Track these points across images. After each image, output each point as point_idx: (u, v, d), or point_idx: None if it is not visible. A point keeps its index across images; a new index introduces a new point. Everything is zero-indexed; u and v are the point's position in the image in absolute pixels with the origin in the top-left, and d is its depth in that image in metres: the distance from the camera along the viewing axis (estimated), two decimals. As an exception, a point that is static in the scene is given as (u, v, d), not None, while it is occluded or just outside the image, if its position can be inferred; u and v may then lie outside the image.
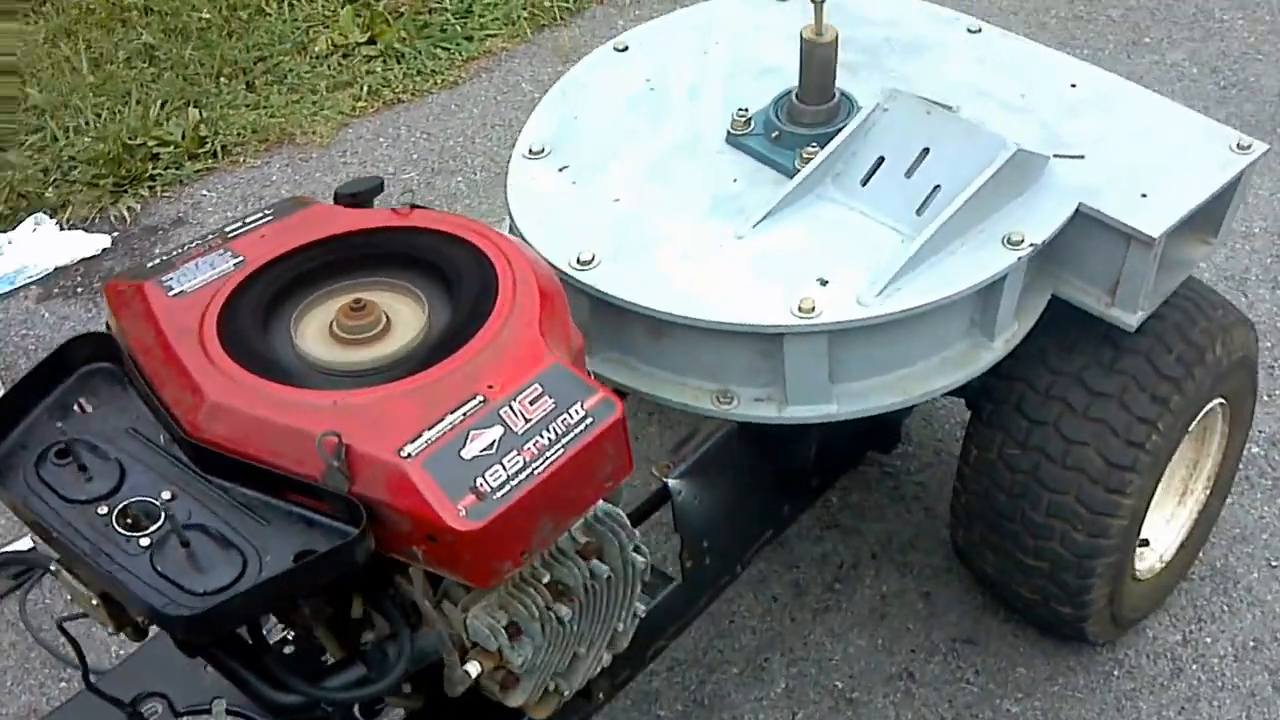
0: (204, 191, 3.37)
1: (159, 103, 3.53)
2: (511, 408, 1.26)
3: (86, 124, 3.48)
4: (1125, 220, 1.63)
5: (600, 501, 1.38)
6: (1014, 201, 1.66)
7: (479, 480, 1.21)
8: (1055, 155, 1.73)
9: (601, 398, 1.29)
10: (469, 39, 3.79)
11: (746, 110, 1.79)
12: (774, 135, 1.75)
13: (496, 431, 1.24)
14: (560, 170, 1.75)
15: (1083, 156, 1.74)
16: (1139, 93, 1.84)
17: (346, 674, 1.32)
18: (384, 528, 1.21)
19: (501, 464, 1.23)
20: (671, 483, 1.66)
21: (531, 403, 1.27)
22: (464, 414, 1.24)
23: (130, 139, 3.41)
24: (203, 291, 1.37)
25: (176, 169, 3.40)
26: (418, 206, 1.48)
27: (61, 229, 3.27)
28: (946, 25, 1.98)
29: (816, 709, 2.09)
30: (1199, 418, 1.90)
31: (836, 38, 1.74)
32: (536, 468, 1.24)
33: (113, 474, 1.26)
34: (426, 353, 1.32)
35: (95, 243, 3.22)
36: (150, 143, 3.43)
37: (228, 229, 1.47)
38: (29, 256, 3.19)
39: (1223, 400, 1.96)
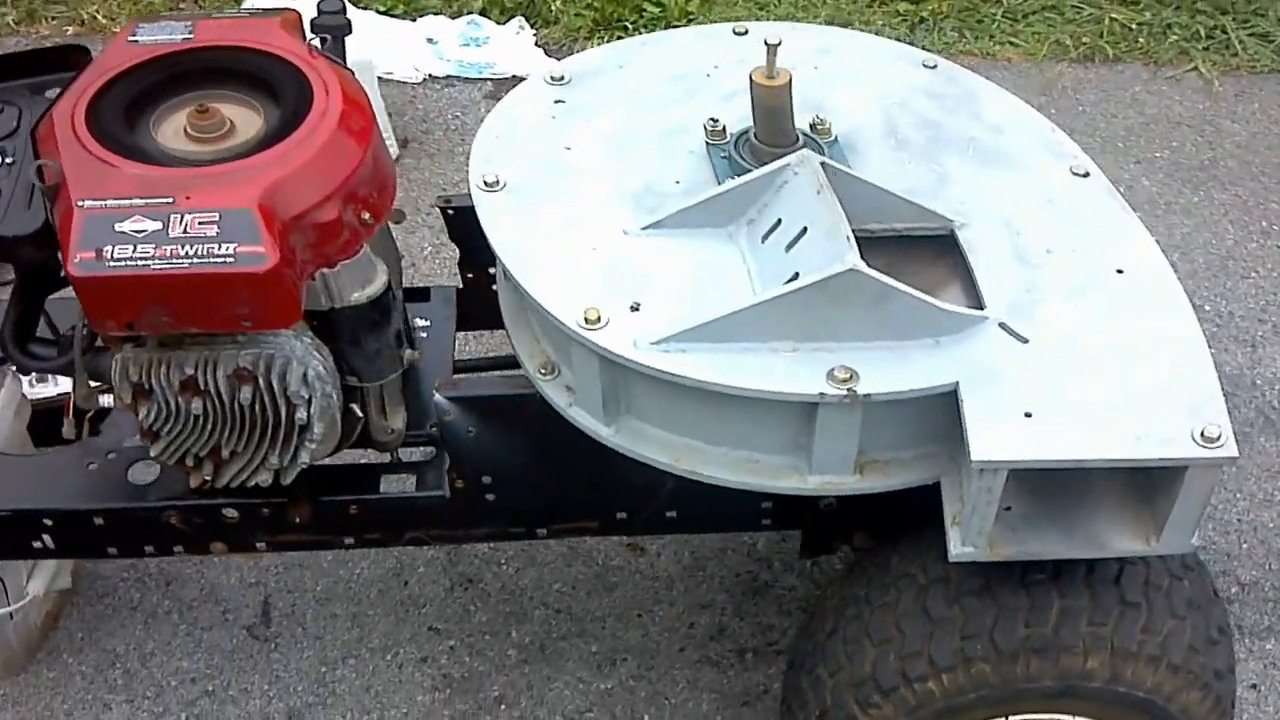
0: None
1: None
2: (184, 218, 1.47)
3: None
4: (971, 432, 1.33)
5: (307, 365, 1.60)
6: (893, 340, 1.41)
7: (107, 248, 1.45)
8: (1001, 325, 1.43)
9: (256, 251, 1.44)
10: None
11: (718, 121, 1.68)
12: (729, 159, 1.65)
13: (154, 225, 1.46)
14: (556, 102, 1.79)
15: (1026, 341, 1.42)
16: (1169, 293, 1.49)
17: (47, 349, 1.66)
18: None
19: (134, 246, 1.45)
20: (438, 399, 1.71)
21: (201, 223, 1.47)
22: (149, 203, 1.48)
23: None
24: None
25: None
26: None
27: (536, 45, 3.74)
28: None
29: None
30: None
31: (790, 81, 1.59)
32: (155, 264, 1.44)
33: None
34: (231, 156, 1.54)
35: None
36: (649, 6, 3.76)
37: None
38: (502, 56, 3.71)
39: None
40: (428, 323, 2.01)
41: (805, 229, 1.49)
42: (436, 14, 3.77)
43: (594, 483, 1.78)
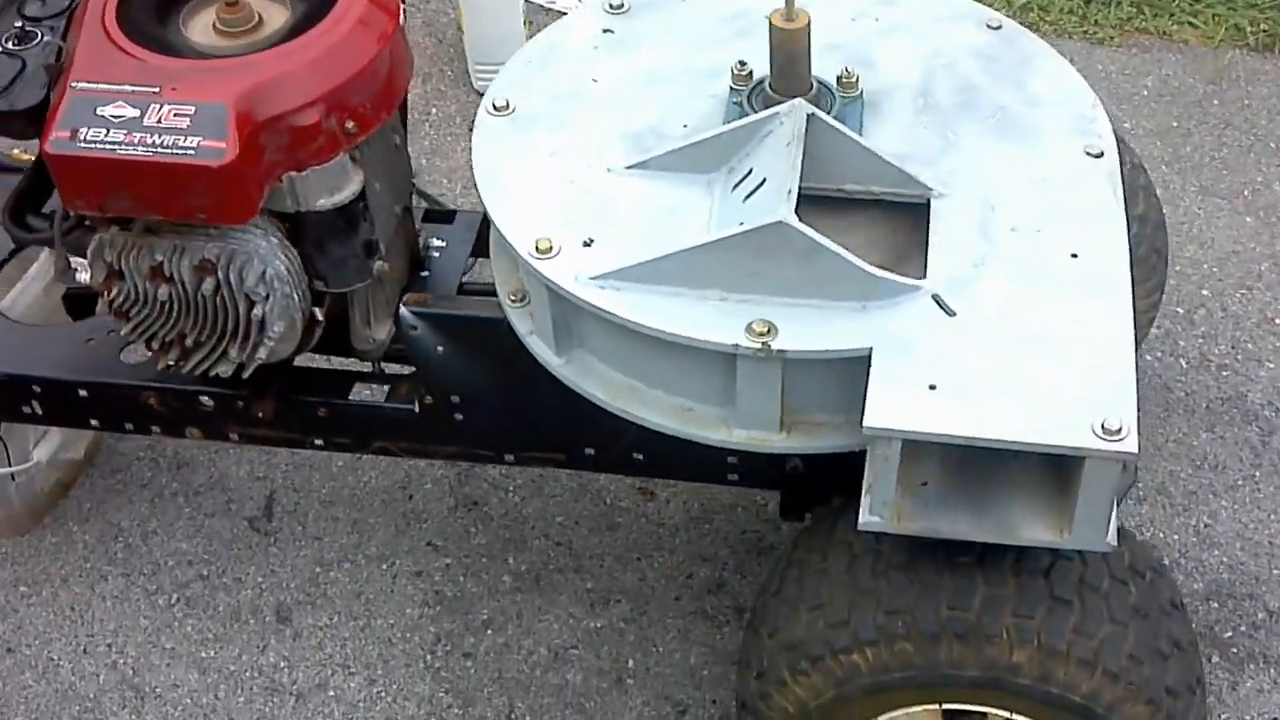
0: None
1: None
2: (163, 108, 1.77)
3: None
4: (869, 398, 1.51)
5: (268, 263, 1.88)
6: (821, 299, 1.59)
7: (83, 129, 1.76)
8: (934, 296, 1.59)
9: (216, 147, 1.74)
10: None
11: (745, 64, 1.85)
12: (740, 105, 1.82)
13: (132, 113, 1.77)
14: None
15: (953, 314, 1.58)
16: (1114, 283, 1.62)
17: (41, 222, 2.01)
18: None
19: (108, 131, 1.76)
20: (404, 312, 1.96)
21: (176, 115, 1.76)
22: (135, 91, 1.78)
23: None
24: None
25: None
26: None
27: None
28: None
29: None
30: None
31: (809, 24, 1.74)
32: (121, 149, 1.75)
33: None
34: (245, 52, 1.84)
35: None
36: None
37: None
38: None
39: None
40: (444, 244, 2.26)
41: (764, 180, 1.68)
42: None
43: (561, 415, 2.01)
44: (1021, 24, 2.03)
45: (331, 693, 2.37)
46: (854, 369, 1.59)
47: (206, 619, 2.48)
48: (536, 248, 1.71)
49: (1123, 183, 1.79)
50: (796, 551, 1.88)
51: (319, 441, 2.18)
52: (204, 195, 1.77)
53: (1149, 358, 2.80)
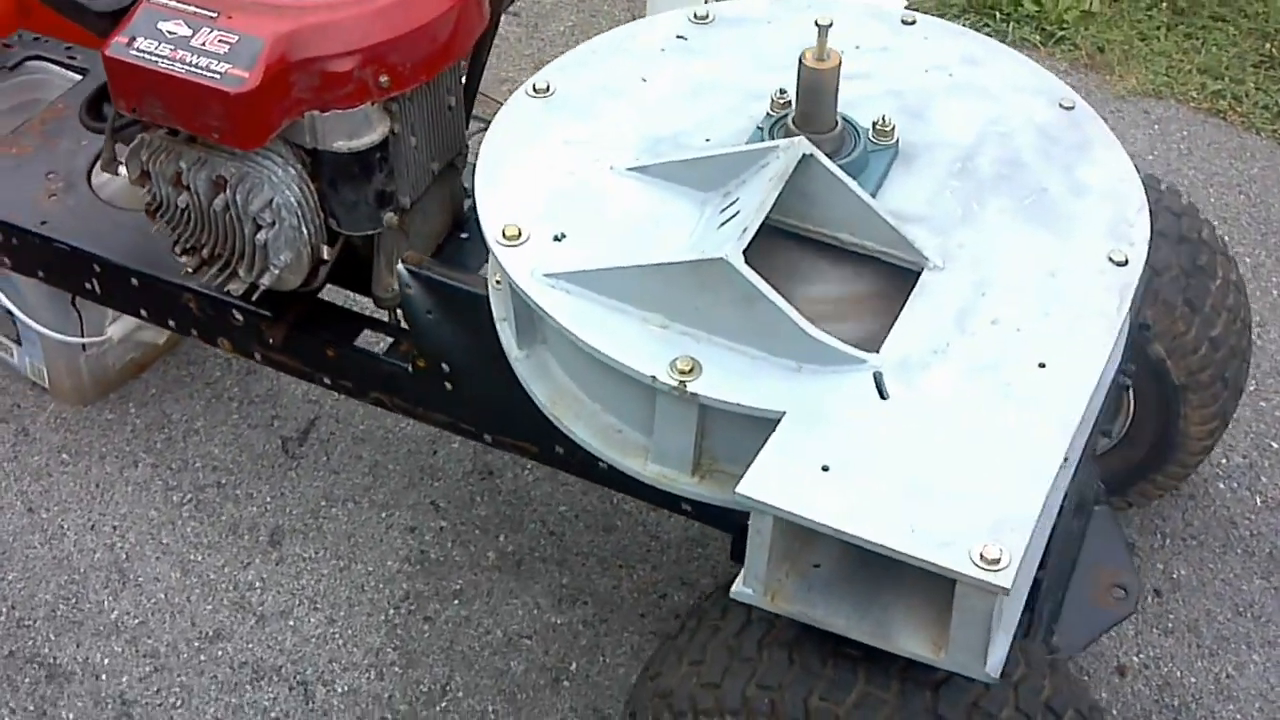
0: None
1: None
2: (211, 33, 1.83)
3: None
4: (754, 463, 1.42)
5: (278, 192, 1.92)
6: (759, 350, 1.51)
7: (140, 39, 1.84)
8: (876, 374, 1.49)
9: (240, 76, 1.79)
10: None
11: (785, 93, 1.76)
12: (762, 131, 1.74)
13: (185, 31, 1.84)
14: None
15: (886, 398, 1.46)
16: (1069, 404, 1.48)
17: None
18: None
19: (159, 44, 1.83)
20: (400, 268, 1.94)
21: (220, 41, 1.83)
22: (197, 13, 1.85)
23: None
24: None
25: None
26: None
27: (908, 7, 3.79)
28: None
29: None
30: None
31: (839, 65, 1.66)
32: (161, 63, 1.82)
33: None
34: None
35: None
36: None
37: None
38: None
39: None
40: None
41: (739, 212, 1.60)
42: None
43: (534, 407, 1.96)
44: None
45: (290, 622, 2.39)
46: (770, 427, 1.51)
47: (207, 525, 2.54)
48: (504, 234, 1.67)
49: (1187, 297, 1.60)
50: (705, 602, 1.80)
51: (326, 380, 2.20)
52: (218, 117, 1.82)
53: (1221, 485, 2.58)
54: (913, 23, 1.99)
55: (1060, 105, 1.85)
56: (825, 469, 1.42)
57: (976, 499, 1.39)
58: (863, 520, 1.37)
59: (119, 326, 2.70)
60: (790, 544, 1.53)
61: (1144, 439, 2.27)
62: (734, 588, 1.52)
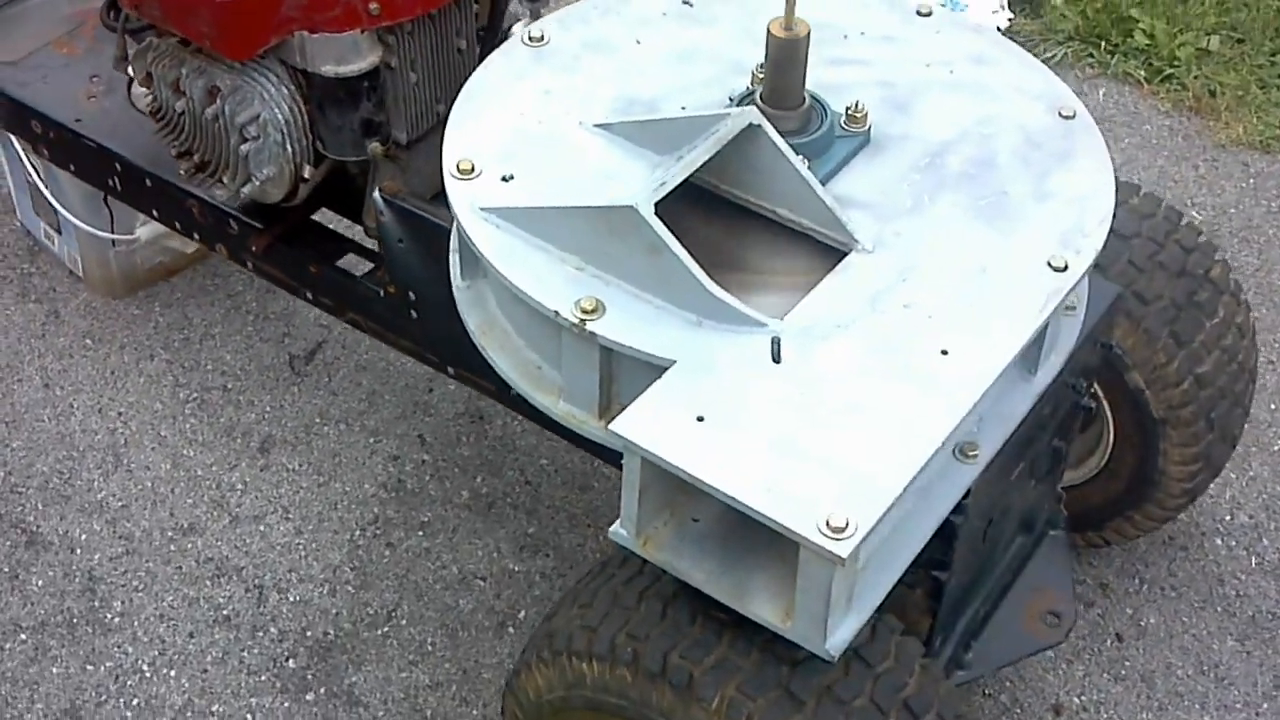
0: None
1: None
2: None
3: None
4: (633, 404, 1.42)
5: (265, 107, 1.97)
6: (665, 300, 1.50)
7: None
8: (774, 339, 1.47)
9: None
10: None
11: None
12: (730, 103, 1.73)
13: None
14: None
15: (778, 362, 1.45)
16: (960, 397, 1.44)
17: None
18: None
19: None
20: (376, 195, 1.97)
21: None
22: None
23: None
24: None
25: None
26: None
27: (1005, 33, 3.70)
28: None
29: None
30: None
31: (808, 35, 1.62)
32: None
33: None
34: None
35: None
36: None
37: None
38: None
39: None
40: None
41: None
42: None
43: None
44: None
45: (261, 528, 2.44)
46: (675, 378, 1.50)
47: (205, 424, 2.61)
48: (458, 167, 1.68)
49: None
50: (617, 552, 1.80)
51: (308, 295, 2.25)
52: (209, 24, 1.88)
53: (1218, 541, 2.48)
54: (928, 14, 1.94)
55: (1059, 113, 1.79)
56: (700, 419, 1.41)
57: (840, 467, 1.36)
58: (721, 472, 1.36)
59: (148, 229, 2.79)
60: (671, 493, 1.52)
61: (1123, 472, 2.19)
62: (612, 528, 1.52)
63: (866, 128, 1.73)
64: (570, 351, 1.56)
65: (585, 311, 1.51)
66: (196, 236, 2.35)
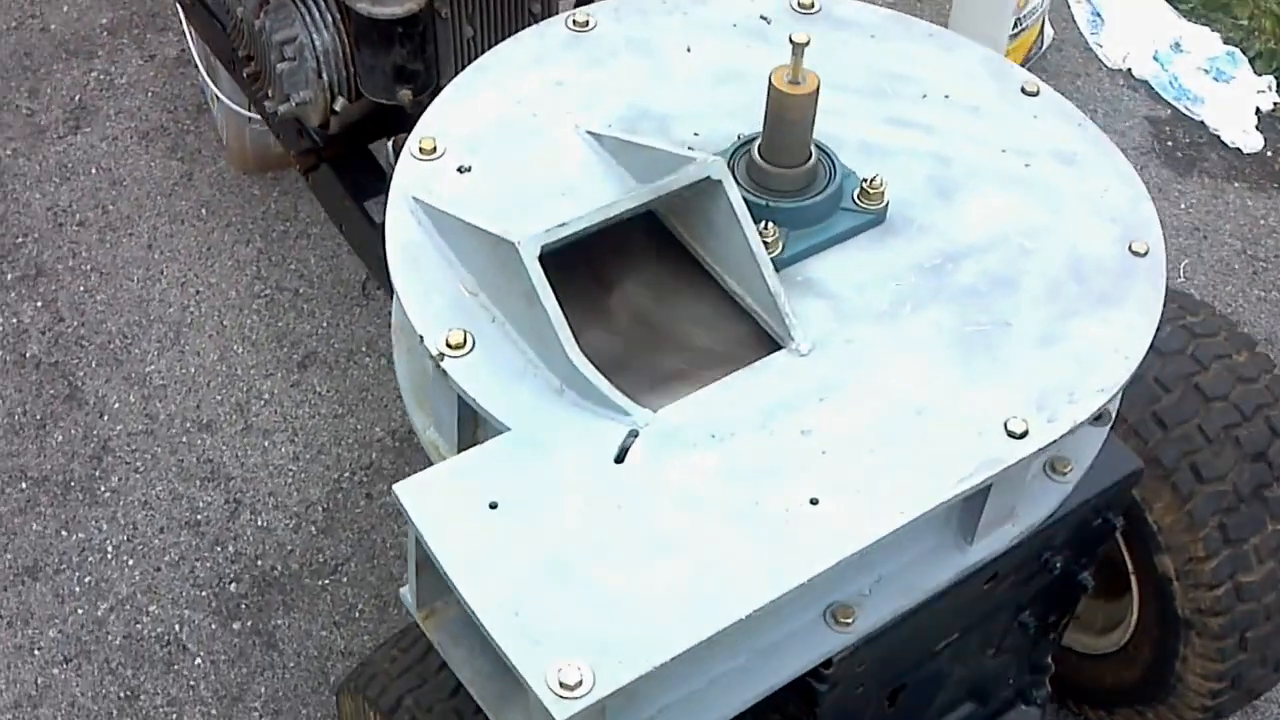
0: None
1: None
2: None
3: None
4: (426, 472, 1.25)
5: (303, 32, 1.90)
6: (536, 356, 1.31)
7: None
8: (632, 432, 1.25)
9: None
10: None
11: None
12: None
13: None
14: None
15: (620, 461, 1.23)
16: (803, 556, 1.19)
17: None
18: None
19: None
20: (390, 144, 1.87)
21: None
22: None
23: None
24: None
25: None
26: None
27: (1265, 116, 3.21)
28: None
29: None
30: None
31: (816, 90, 1.37)
32: None
33: None
34: None
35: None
36: None
37: None
38: (1223, 109, 3.18)
39: None
40: None
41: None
42: (1207, 23, 3.32)
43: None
44: None
45: (266, 444, 2.38)
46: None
47: (263, 323, 2.56)
48: (420, 145, 1.51)
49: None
50: None
51: (342, 226, 2.15)
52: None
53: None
54: (1034, 94, 1.62)
55: (1129, 246, 1.47)
56: (493, 506, 1.21)
57: (607, 614, 1.13)
58: (474, 576, 1.15)
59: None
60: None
61: (1138, 662, 1.84)
62: (401, 589, 1.35)
63: (881, 206, 1.46)
64: (435, 381, 1.39)
65: (450, 345, 1.32)
66: (279, 137, 2.29)
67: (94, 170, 2.82)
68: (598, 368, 1.27)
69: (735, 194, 1.36)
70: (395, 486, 1.22)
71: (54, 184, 2.79)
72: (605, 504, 1.21)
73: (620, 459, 1.24)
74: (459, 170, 1.48)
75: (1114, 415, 1.55)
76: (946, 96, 1.61)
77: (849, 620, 1.34)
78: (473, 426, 1.40)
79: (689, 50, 1.64)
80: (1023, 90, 1.63)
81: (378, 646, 1.58)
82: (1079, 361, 1.36)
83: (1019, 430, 1.29)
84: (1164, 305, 1.44)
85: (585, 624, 1.13)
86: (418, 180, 1.47)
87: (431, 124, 1.53)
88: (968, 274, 1.43)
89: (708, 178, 1.36)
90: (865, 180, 1.45)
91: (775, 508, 1.21)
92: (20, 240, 2.69)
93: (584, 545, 1.18)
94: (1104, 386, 1.34)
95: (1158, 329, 1.81)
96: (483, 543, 1.18)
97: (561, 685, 1.09)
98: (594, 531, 1.19)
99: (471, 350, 1.32)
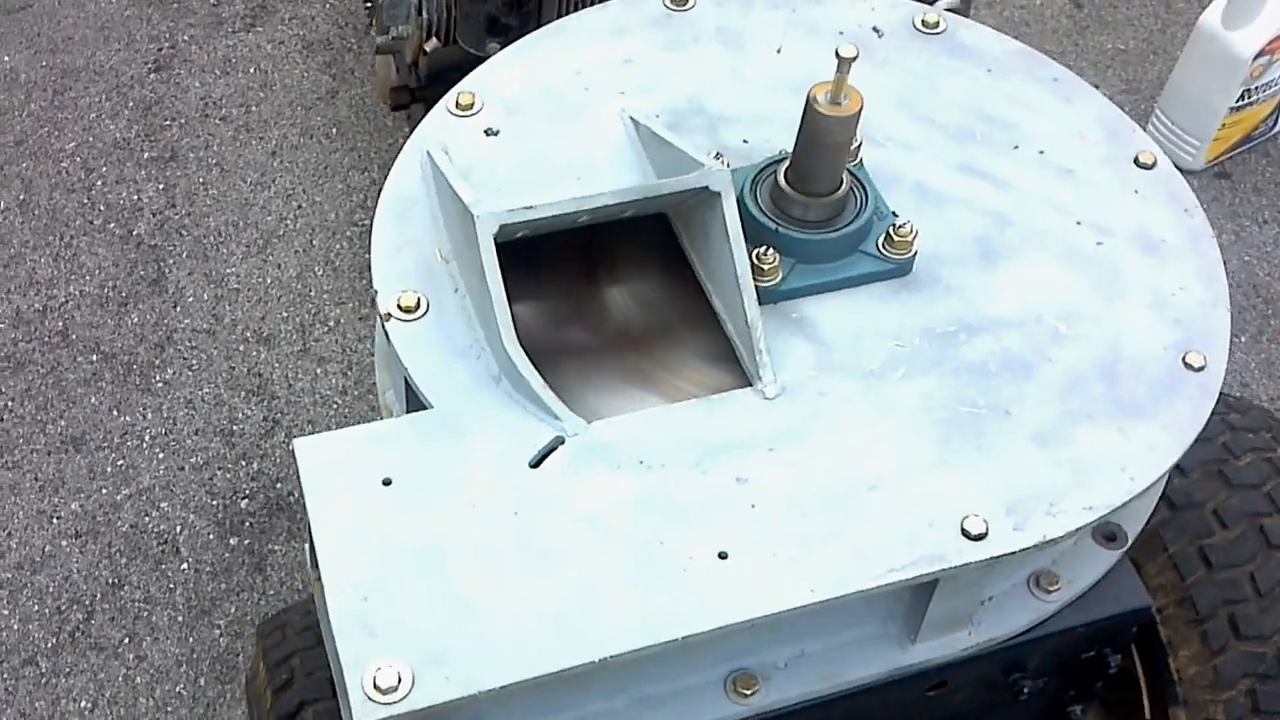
0: None
1: None
2: None
3: None
4: (315, 440, 1.17)
5: None
6: (492, 347, 1.22)
7: None
8: (559, 438, 1.15)
9: None
10: None
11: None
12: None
13: None
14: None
15: (535, 466, 1.13)
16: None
17: None
18: None
19: None
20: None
21: None
22: None
23: None
24: None
25: None
26: None
27: None
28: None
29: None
30: None
31: (858, 114, 1.25)
32: None
33: None
34: None
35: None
36: None
37: None
38: None
39: None
40: None
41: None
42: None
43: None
44: None
45: (318, 370, 2.36)
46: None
47: (350, 253, 2.55)
48: (458, 101, 1.45)
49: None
50: None
51: None
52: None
53: None
54: (1149, 166, 1.46)
55: (1183, 358, 1.30)
56: (386, 483, 1.13)
57: (463, 619, 1.05)
58: (339, 554, 1.08)
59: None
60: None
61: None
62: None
63: (906, 256, 1.32)
64: (389, 342, 1.32)
65: (400, 307, 1.25)
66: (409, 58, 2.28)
67: (253, 69, 2.85)
68: (537, 364, 1.18)
69: (732, 210, 1.25)
70: (295, 441, 1.16)
71: (214, 76, 2.83)
72: (502, 506, 1.12)
73: (536, 464, 1.15)
74: (486, 132, 1.41)
75: (1130, 539, 1.38)
76: (1041, 152, 1.45)
77: (749, 692, 1.22)
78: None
79: (779, 51, 1.53)
80: (1135, 160, 1.45)
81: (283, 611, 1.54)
82: (1075, 471, 1.21)
83: (975, 531, 1.15)
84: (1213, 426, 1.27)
85: (430, 627, 1.05)
86: (440, 133, 1.40)
87: (479, 79, 1.46)
88: (981, 349, 1.28)
89: (705, 188, 1.26)
90: (894, 225, 1.32)
91: (679, 552, 1.11)
92: (168, 124, 2.74)
93: (463, 544, 1.10)
94: (1093, 505, 1.19)
95: (1236, 455, 1.67)
96: (361, 517, 1.11)
97: (375, 686, 1.01)
98: (478, 532, 1.11)
99: (422, 317, 1.25)
